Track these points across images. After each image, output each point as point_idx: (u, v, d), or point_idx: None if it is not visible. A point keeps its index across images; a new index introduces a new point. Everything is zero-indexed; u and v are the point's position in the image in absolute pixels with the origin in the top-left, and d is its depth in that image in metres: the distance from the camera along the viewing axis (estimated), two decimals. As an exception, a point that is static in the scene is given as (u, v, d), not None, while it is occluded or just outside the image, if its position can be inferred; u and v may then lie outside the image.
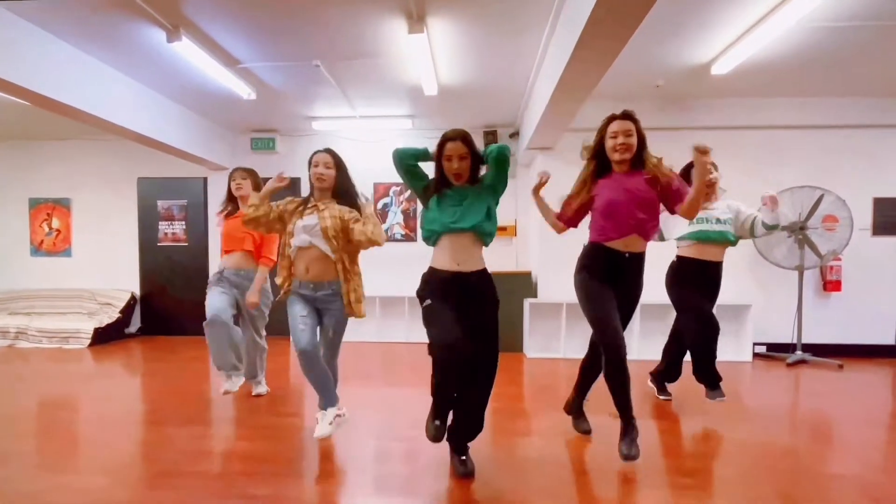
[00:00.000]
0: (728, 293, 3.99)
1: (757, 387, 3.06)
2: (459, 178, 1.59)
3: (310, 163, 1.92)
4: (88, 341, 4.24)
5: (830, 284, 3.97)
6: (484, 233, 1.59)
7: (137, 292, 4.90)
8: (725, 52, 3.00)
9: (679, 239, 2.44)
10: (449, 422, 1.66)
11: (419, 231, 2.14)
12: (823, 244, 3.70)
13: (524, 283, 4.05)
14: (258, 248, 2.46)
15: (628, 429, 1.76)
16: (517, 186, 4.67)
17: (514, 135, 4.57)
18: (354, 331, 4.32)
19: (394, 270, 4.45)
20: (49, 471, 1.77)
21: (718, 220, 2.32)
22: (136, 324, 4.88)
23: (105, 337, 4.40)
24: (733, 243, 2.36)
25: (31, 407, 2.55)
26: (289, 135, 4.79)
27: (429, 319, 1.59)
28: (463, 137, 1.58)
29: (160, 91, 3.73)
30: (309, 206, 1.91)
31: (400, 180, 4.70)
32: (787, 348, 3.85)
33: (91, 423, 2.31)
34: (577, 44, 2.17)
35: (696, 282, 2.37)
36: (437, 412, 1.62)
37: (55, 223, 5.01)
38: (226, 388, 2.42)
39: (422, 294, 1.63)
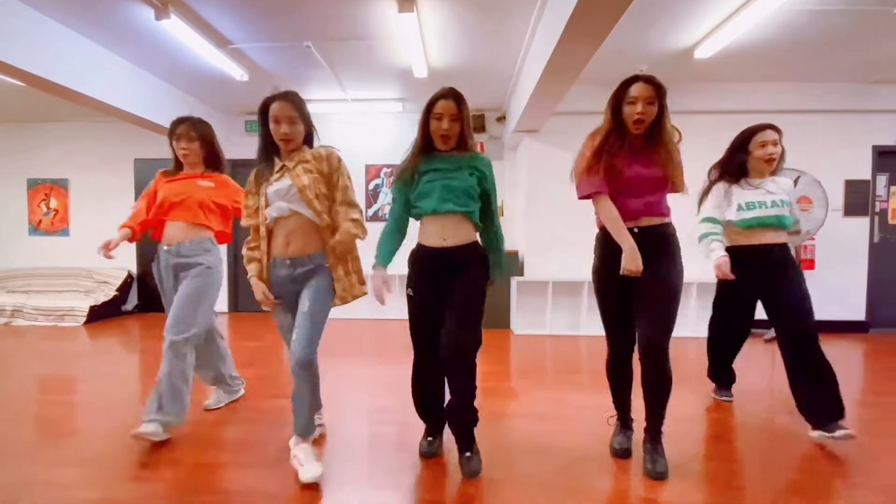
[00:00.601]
0: (707, 272, 4.14)
1: (736, 363, 3.18)
2: (447, 140, 1.46)
3: (265, 115, 1.52)
4: (84, 319, 4.32)
5: (805, 263, 4.11)
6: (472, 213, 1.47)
7: (134, 271, 5.00)
8: (708, 36, 3.09)
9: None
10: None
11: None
12: (803, 224, 3.85)
13: (511, 262, 4.18)
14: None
15: (650, 441, 1.52)
16: (504, 168, 4.80)
17: (501, 118, 4.69)
18: (346, 308, 4.48)
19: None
20: (19, 461, 1.61)
21: (775, 203, 1.91)
22: (132, 301, 4.98)
23: (101, 314, 4.49)
24: (790, 229, 1.95)
25: (11, 387, 2.46)
26: (283, 117, 4.88)
27: (411, 314, 1.56)
28: (455, 96, 1.44)
29: (153, 72, 3.81)
30: (277, 168, 1.56)
31: (391, 162, 4.86)
32: (764, 325, 3.99)
33: (72, 406, 2.20)
34: (566, 25, 2.18)
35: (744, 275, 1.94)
36: (428, 429, 1.63)
37: (53, 203, 5.10)
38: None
39: (410, 276, 1.55)
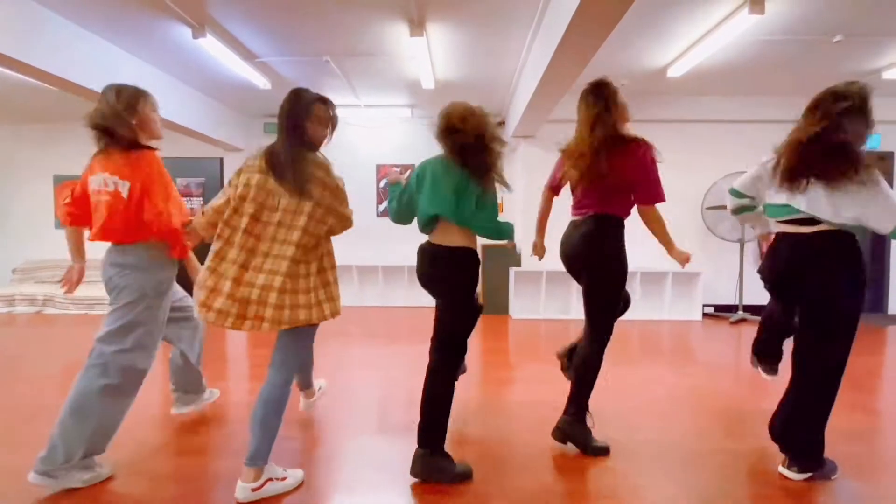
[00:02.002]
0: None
1: (706, 342, 3.68)
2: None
3: (307, 111, 1.44)
4: (111, 308, 4.65)
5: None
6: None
7: (157, 263, 5.32)
8: (679, 58, 3.58)
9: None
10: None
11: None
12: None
13: (509, 254, 4.65)
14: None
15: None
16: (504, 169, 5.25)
17: (501, 123, 5.14)
18: (358, 296, 4.93)
19: (395, 243, 5.00)
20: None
21: None
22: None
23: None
24: None
25: (42, 374, 2.54)
26: (299, 120, 5.26)
27: (472, 323, 1.55)
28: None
29: (183, 80, 4.16)
30: None
31: (399, 162, 5.27)
32: (730, 309, 4.54)
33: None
34: (557, 46, 2.53)
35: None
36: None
37: (79, 199, 5.38)
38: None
39: (473, 283, 1.53)
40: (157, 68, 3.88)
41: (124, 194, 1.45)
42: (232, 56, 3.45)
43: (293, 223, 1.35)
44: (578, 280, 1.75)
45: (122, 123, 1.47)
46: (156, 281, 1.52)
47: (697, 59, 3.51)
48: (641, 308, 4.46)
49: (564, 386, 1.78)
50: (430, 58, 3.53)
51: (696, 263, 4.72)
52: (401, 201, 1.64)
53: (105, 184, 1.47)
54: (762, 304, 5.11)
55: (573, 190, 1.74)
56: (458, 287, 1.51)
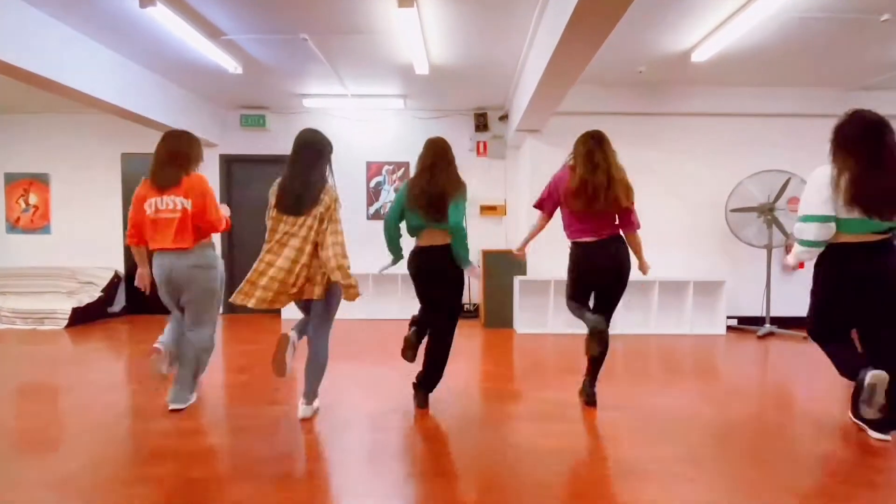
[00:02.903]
0: (702, 271, 4.28)
1: (732, 359, 3.26)
2: None
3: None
4: (66, 322, 4.11)
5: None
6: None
7: (122, 270, 4.80)
8: (705, 39, 3.17)
9: None
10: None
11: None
12: (790, 224, 3.98)
13: (514, 261, 4.18)
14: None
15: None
16: (506, 167, 4.81)
17: (504, 117, 4.70)
18: (344, 308, 4.39)
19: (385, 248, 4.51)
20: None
21: None
22: (120, 303, 4.78)
23: (85, 317, 4.29)
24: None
25: None
26: (280, 112, 4.77)
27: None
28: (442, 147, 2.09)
29: (141, 63, 3.65)
30: None
31: (392, 159, 4.81)
32: (757, 321, 4.12)
33: (51, 418, 1.98)
34: (566, 25, 2.18)
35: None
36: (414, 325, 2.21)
37: (32, 199, 4.84)
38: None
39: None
40: (112, 49, 3.38)
41: (189, 210, 1.93)
42: (192, 32, 2.96)
43: None
44: (598, 288, 2.13)
45: (196, 166, 2.03)
46: (218, 273, 2.08)
47: (725, 42, 3.12)
48: (660, 321, 4.03)
49: (581, 426, 1.81)
50: (422, 36, 3.07)
51: (719, 271, 4.38)
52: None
53: (171, 204, 1.93)
54: (791, 315, 4.62)
55: (583, 214, 2.06)
56: (458, 274, 2.05)
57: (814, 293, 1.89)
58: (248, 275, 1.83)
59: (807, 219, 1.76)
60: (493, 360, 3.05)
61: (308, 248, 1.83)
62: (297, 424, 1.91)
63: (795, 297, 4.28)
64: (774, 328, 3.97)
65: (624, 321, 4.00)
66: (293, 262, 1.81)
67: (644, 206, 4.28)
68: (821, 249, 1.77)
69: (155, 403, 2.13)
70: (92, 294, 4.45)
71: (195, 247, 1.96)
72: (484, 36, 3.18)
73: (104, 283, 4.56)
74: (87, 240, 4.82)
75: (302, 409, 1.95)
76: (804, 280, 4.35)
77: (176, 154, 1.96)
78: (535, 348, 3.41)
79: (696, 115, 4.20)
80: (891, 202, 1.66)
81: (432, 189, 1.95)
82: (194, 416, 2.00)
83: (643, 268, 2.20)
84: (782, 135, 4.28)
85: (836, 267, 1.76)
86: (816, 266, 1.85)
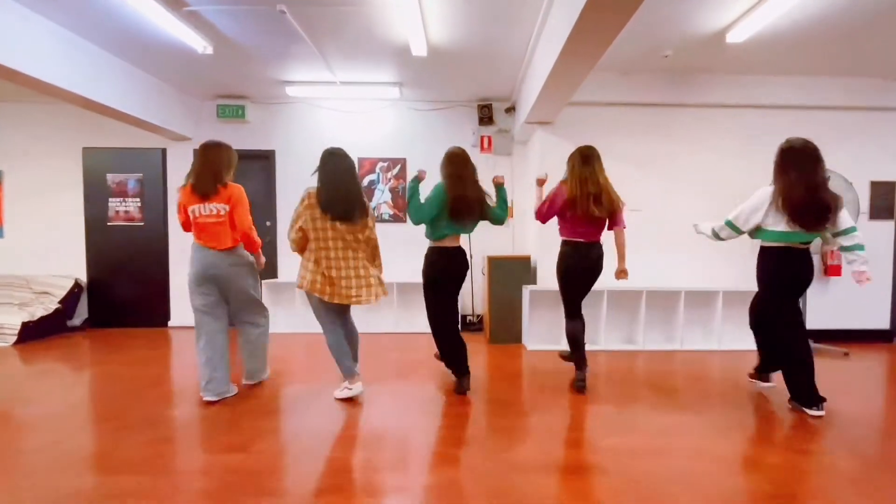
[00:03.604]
0: (731, 279, 3.88)
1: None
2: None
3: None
4: (14, 338, 3.62)
5: (831, 269, 3.88)
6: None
7: (83, 279, 4.30)
8: (745, 16, 2.78)
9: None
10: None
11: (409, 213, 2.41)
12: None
13: (522, 269, 3.76)
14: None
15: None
16: (513, 164, 4.37)
17: (511, 109, 4.26)
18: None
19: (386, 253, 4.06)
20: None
21: None
22: (81, 315, 4.28)
23: (39, 332, 3.79)
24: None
25: None
26: (261, 102, 4.29)
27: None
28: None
29: (101, 44, 3.17)
30: None
31: (386, 155, 4.36)
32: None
33: None
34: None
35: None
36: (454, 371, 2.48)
37: (-19, 199, 4.33)
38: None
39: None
40: (69, 30, 2.92)
41: (225, 215, 2.23)
42: (150, 2, 2.49)
43: None
44: (583, 286, 2.50)
45: (230, 173, 2.32)
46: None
47: (766, 21, 2.75)
48: (686, 335, 3.62)
49: (613, 471, 1.55)
50: (419, 9, 2.63)
51: (750, 280, 3.96)
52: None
53: (213, 210, 2.22)
54: (825, 327, 4.14)
55: (579, 220, 2.41)
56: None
57: (767, 287, 2.28)
58: (319, 271, 2.17)
59: (729, 223, 2.30)
60: (499, 385, 2.61)
61: (363, 255, 2.28)
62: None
63: (832, 308, 3.91)
64: (810, 342, 3.58)
65: (647, 337, 3.60)
66: (364, 268, 2.24)
67: (667, 208, 3.95)
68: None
69: (107, 451, 1.69)
70: (48, 306, 3.95)
71: (235, 247, 2.27)
72: (489, 12, 2.75)
73: (62, 293, 4.07)
74: (43, 244, 4.31)
75: (357, 388, 2.28)
76: (839, 289, 4.07)
77: (213, 164, 2.21)
78: (548, 370, 2.98)
79: (725, 106, 3.80)
80: (821, 218, 2.05)
81: (473, 202, 2.36)
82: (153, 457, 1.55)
83: (622, 272, 2.51)
84: (821, 128, 3.87)
85: (781, 266, 2.17)
86: (764, 264, 2.25)
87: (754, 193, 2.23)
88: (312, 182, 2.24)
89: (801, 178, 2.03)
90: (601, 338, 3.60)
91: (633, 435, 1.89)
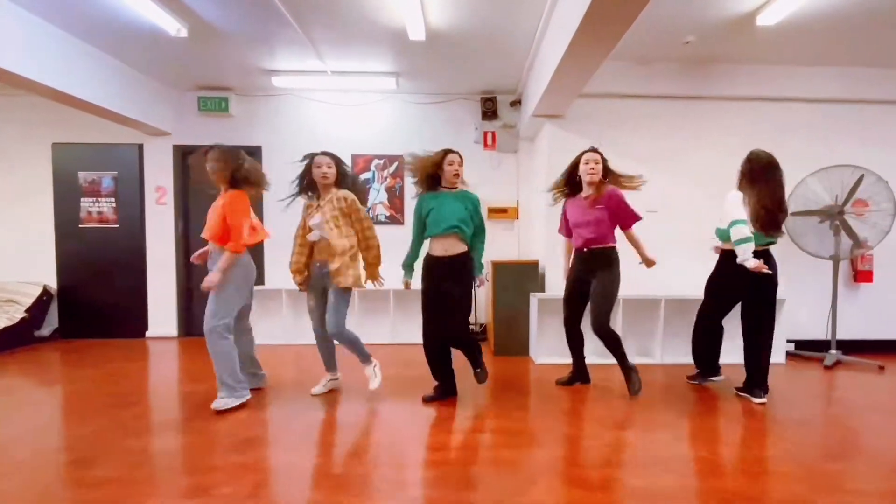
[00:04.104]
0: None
1: (808, 401, 2.56)
2: (458, 178, 2.29)
3: (311, 164, 2.29)
4: (-26, 350, 3.32)
5: (861, 275, 3.60)
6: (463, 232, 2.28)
7: (53, 286, 3.97)
8: (777, -4, 2.50)
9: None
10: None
11: (408, 214, 2.22)
12: (862, 231, 3.30)
13: (529, 275, 3.46)
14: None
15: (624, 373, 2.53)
16: (519, 162, 4.08)
17: (516, 103, 3.96)
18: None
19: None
20: None
21: None
22: (50, 325, 3.96)
23: (2, 343, 3.47)
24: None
25: None
26: (245, 94, 3.98)
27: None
28: (458, 154, 2.30)
29: (66, 28, 2.87)
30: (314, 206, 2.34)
31: (382, 152, 4.06)
32: (819, 346, 3.46)
33: None
34: None
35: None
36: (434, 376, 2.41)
37: (-60, 199, 4.00)
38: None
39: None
40: (33, 13, 2.62)
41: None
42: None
43: None
44: (585, 294, 2.54)
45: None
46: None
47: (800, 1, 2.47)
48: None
49: None
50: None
51: (779, 288, 3.66)
52: None
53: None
54: (855, 337, 3.79)
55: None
56: None
57: (720, 287, 2.47)
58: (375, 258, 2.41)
59: (739, 222, 2.22)
60: (503, 404, 2.31)
61: None
62: None
63: (860, 317, 3.64)
64: (841, 354, 3.30)
65: (665, 349, 3.31)
66: None
67: (685, 208, 3.60)
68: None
69: (48, 494, 1.38)
70: (13, 315, 3.63)
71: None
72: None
73: (30, 301, 3.75)
74: (8, 248, 3.99)
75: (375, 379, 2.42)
76: (870, 297, 3.77)
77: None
78: (560, 387, 2.67)
79: (750, 99, 3.51)
80: (776, 224, 2.23)
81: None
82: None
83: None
84: (854, 123, 3.60)
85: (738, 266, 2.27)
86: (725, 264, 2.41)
87: (729, 197, 2.30)
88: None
89: (777, 187, 2.25)
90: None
91: (665, 474, 1.59)
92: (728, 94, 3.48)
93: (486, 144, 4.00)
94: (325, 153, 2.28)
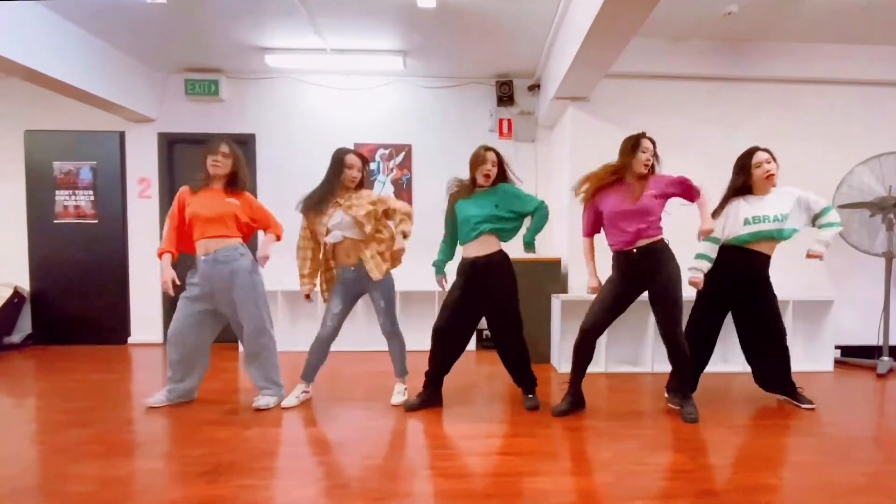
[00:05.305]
0: (800, 286, 3.27)
1: (861, 414, 2.26)
2: (488, 178, 2.12)
3: (342, 163, 2.12)
4: (-60, 357, 2.98)
5: (909, 277, 3.29)
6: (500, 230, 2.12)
7: (25, 287, 3.63)
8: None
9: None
10: None
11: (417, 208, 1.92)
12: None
13: (551, 274, 3.14)
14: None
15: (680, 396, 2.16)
16: (537, 152, 3.76)
17: (535, 87, 3.64)
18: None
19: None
20: None
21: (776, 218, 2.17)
22: (22, 330, 3.62)
23: (-30, 350, 3.15)
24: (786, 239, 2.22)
25: None
26: (237, 76, 3.63)
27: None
28: (496, 151, 2.18)
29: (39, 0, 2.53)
30: (331, 204, 2.14)
31: (388, 141, 3.73)
32: (868, 352, 3.15)
33: None
34: None
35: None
36: (427, 382, 2.21)
37: None
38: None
39: None
40: None
41: None
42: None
43: None
44: (631, 302, 2.19)
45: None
46: None
47: None
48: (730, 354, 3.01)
49: None
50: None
51: (825, 288, 3.14)
52: None
53: None
54: None
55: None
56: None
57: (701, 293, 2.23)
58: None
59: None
60: (524, 423, 1.98)
61: None
62: None
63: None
64: (894, 361, 2.99)
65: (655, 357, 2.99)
66: None
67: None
68: None
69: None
70: (-21, 320, 3.29)
71: None
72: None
73: (-1, 304, 3.41)
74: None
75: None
76: None
77: None
78: (588, 401, 2.35)
79: (797, 81, 3.21)
80: None
81: None
82: None
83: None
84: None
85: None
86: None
87: (727, 209, 2.25)
88: (302, 172, 2.18)
89: None
90: (601, 358, 2.99)
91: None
92: (771, 76, 3.18)
93: (501, 133, 3.68)
94: (355, 153, 2.18)
